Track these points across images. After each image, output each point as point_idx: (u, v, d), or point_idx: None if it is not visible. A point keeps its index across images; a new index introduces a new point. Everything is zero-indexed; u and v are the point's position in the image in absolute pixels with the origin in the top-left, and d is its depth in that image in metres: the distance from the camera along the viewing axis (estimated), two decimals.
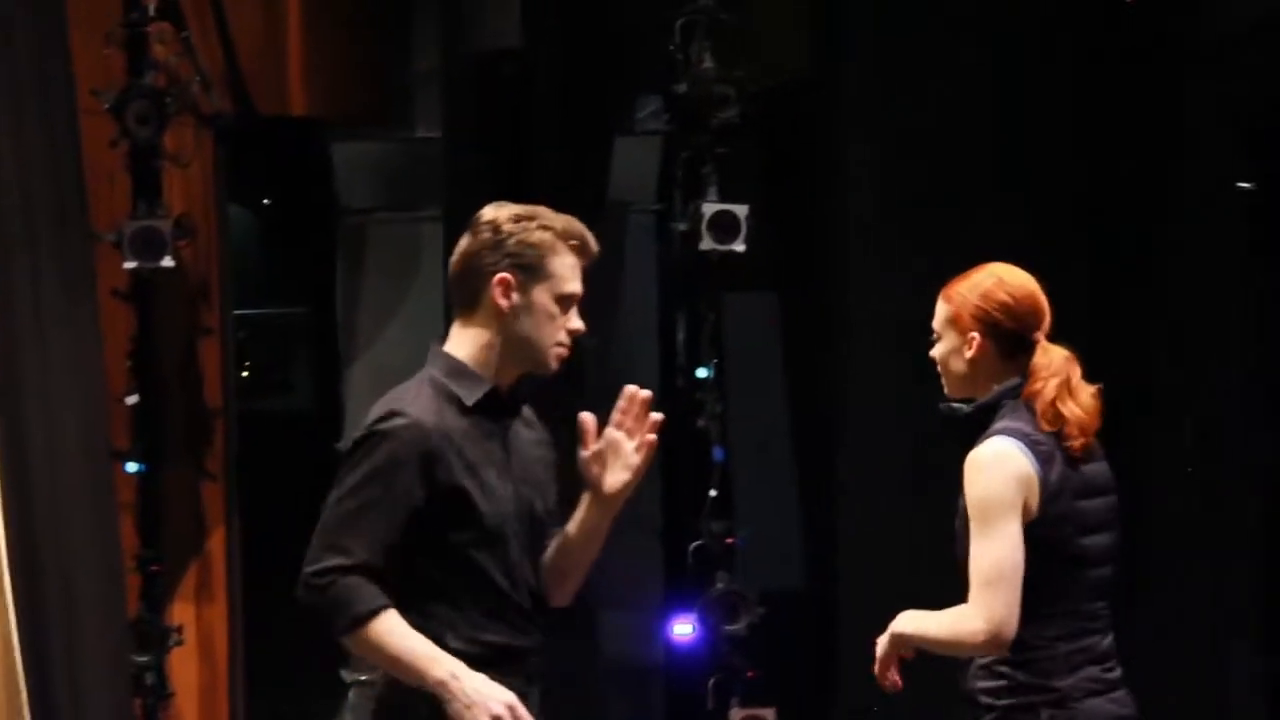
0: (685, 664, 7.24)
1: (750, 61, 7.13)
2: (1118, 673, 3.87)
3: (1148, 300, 7.34)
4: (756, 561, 7.31)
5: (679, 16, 7.05)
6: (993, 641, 3.75)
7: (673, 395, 7.58)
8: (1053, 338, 3.95)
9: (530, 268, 3.61)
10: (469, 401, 3.59)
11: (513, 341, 3.62)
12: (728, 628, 7.03)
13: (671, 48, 7.04)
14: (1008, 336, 3.88)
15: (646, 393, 3.67)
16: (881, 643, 4.03)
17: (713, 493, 7.13)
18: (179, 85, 6.80)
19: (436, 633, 3.49)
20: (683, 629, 7.14)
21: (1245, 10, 7.58)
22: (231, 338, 7.35)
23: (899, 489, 7.37)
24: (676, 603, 7.28)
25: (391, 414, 3.51)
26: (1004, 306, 3.88)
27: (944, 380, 3.95)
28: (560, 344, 3.65)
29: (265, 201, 8.18)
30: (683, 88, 7.04)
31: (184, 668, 7.05)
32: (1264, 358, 7.41)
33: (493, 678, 3.51)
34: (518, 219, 3.63)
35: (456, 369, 3.61)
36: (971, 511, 3.77)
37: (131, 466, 6.88)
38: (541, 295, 3.61)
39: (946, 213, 7.37)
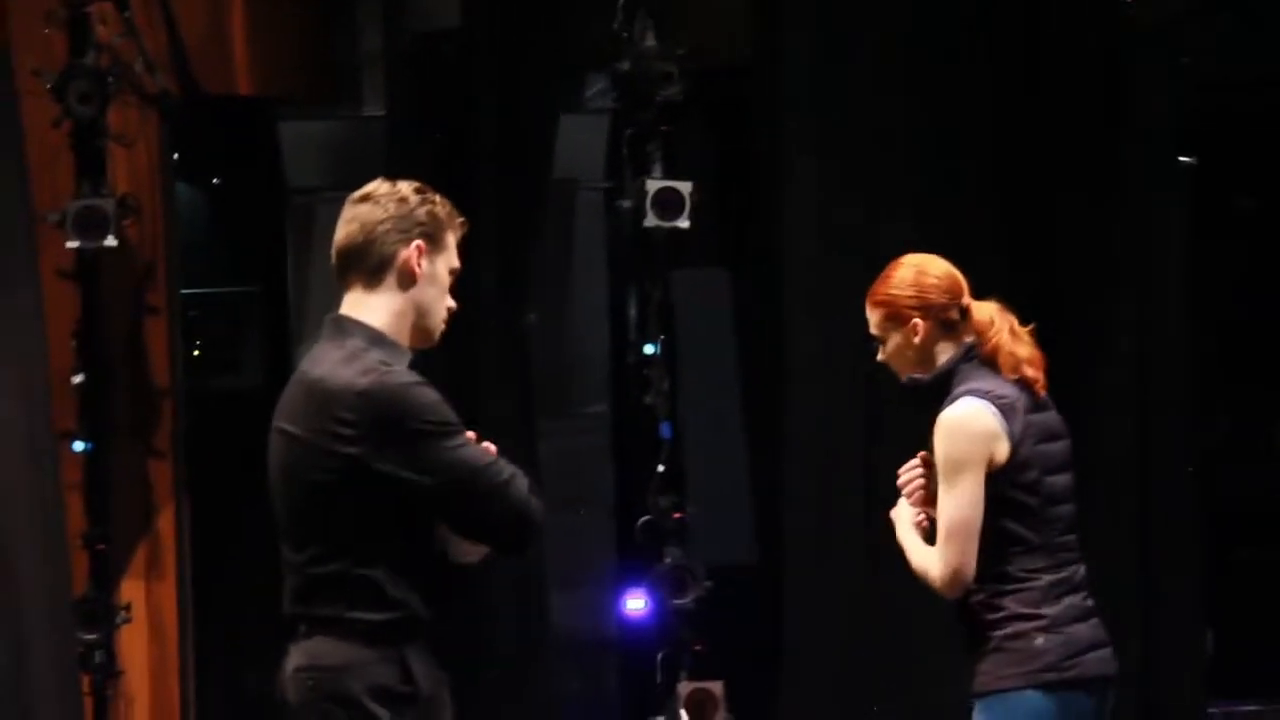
0: (636, 638, 7.28)
1: (694, 39, 7.15)
2: (1092, 601, 4.24)
3: (1090, 283, 7.38)
4: (705, 536, 7.35)
5: None
6: (949, 587, 4.16)
7: (622, 372, 7.61)
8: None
9: (434, 238, 3.67)
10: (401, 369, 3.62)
11: (419, 310, 3.66)
12: (676, 602, 7.07)
13: (615, 25, 7.06)
14: (943, 311, 4.26)
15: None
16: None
17: (660, 468, 7.17)
18: (122, 65, 6.80)
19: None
20: (635, 603, 7.18)
21: None
22: (179, 317, 7.36)
23: (848, 465, 7.41)
24: (628, 577, 7.31)
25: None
26: (934, 288, 4.29)
27: (898, 373, 4.31)
28: (444, 319, 3.71)
29: (214, 181, 8.17)
30: (626, 65, 7.07)
31: (134, 645, 7.07)
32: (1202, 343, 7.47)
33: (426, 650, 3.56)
34: (419, 191, 3.68)
35: (377, 337, 3.63)
36: (940, 469, 4.16)
37: (79, 445, 6.89)
38: (440, 266, 3.68)
39: (887, 189, 7.41)
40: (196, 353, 7.82)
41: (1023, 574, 4.15)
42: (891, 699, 7.30)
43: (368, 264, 3.64)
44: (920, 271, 4.31)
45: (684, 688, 7.06)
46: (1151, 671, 7.22)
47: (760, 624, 7.49)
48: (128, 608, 6.99)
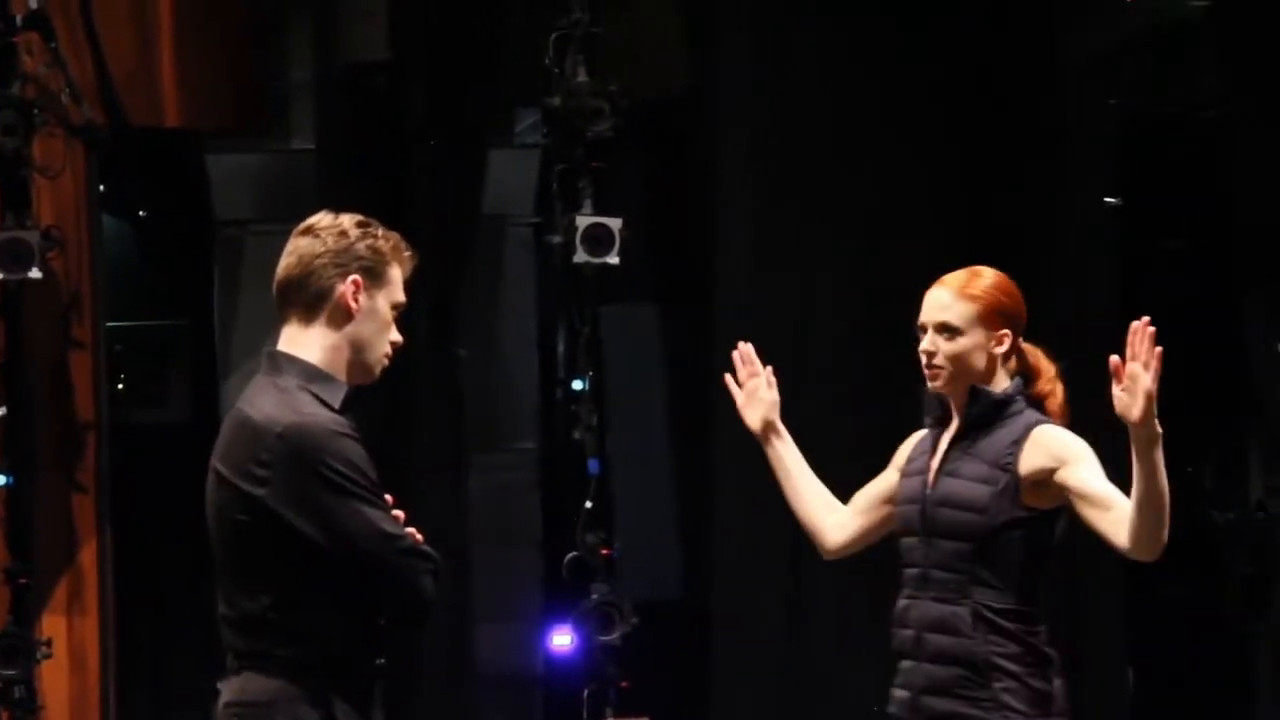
0: (562, 674, 7.26)
1: (625, 75, 7.17)
2: None
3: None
4: (633, 572, 7.35)
5: (553, 30, 7.09)
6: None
7: (551, 408, 7.61)
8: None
9: (375, 273, 3.63)
10: (336, 405, 3.60)
11: (356, 346, 3.63)
12: (603, 638, 7.06)
13: (546, 60, 7.07)
14: (1020, 335, 4.16)
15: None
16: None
17: (588, 504, 7.16)
18: (48, 96, 6.76)
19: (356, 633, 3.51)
20: (561, 639, 7.17)
21: (1122, 25, 7.72)
22: (104, 350, 7.31)
23: (776, 500, 7.41)
24: (555, 614, 7.30)
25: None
26: (1022, 305, 4.17)
27: (945, 374, 4.13)
28: (388, 354, 3.68)
29: (140, 213, 8.13)
30: (557, 101, 7.08)
31: (55, 681, 7.00)
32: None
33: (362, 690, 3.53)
34: (361, 225, 3.65)
35: (313, 373, 3.60)
36: (1081, 456, 4.03)
37: (0, 479, 6.82)
38: (382, 302, 3.64)
39: (820, 226, 7.44)
40: (121, 386, 7.78)
41: (1040, 613, 4.08)
42: None
43: (304, 298, 3.62)
44: (1012, 283, 4.17)
45: None
46: (1073, 708, 7.26)
47: (687, 660, 7.49)
48: (49, 643, 6.92)
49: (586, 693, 7.10)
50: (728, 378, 4.48)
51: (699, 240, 7.67)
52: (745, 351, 4.52)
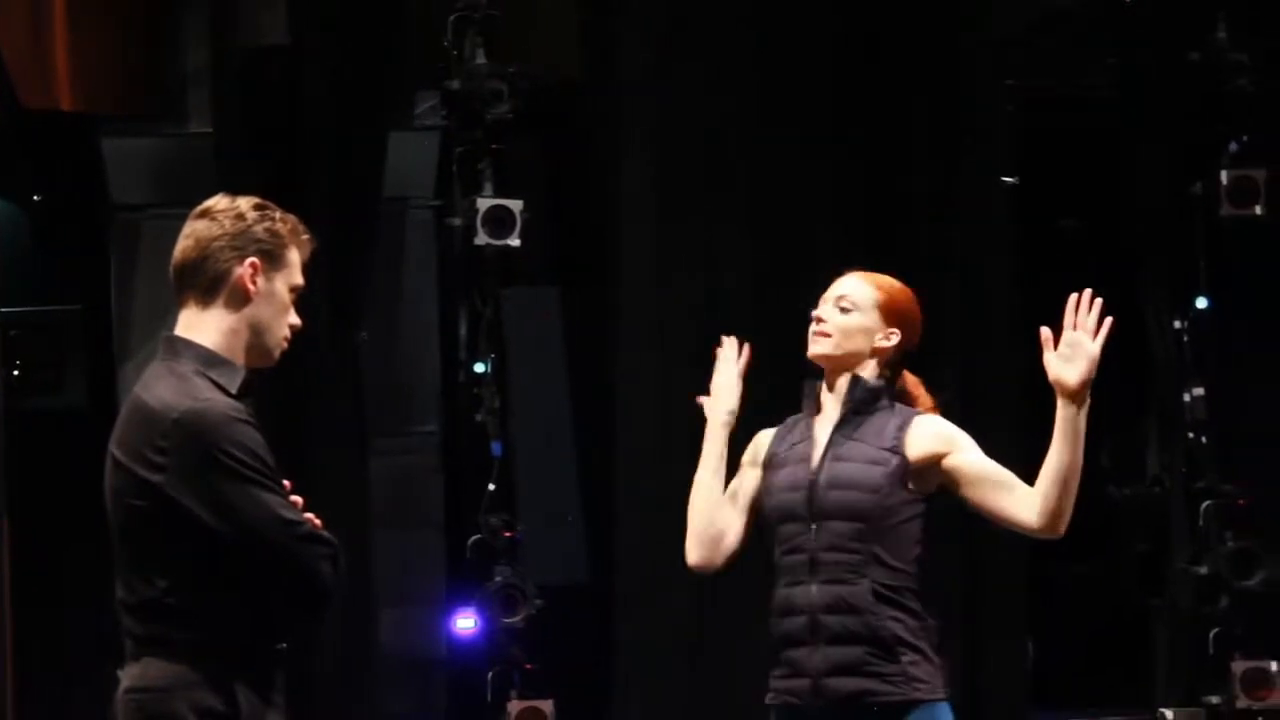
0: (466, 657, 7.26)
1: (524, 57, 7.16)
2: None
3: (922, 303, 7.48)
4: (537, 555, 7.35)
5: (451, 12, 7.07)
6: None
7: (453, 390, 7.60)
8: None
9: (273, 256, 3.61)
10: (233, 389, 3.58)
11: (254, 329, 3.61)
12: (506, 620, 7.06)
13: (445, 43, 7.05)
14: (907, 349, 4.28)
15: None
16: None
17: (491, 486, 7.16)
18: None
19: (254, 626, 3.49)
20: (465, 622, 7.17)
21: (1020, 6, 7.77)
22: (0, 336, 7.24)
23: (679, 482, 7.44)
24: (458, 596, 7.29)
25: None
26: (918, 323, 4.29)
27: (822, 342, 4.24)
28: (286, 337, 3.67)
29: (34, 197, 8.05)
30: (456, 84, 7.06)
31: None
32: (1027, 363, 7.58)
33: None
34: (259, 208, 3.64)
35: (210, 358, 3.58)
36: (964, 439, 4.17)
37: None
38: (280, 285, 3.63)
39: (720, 208, 7.46)
40: (16, 373, 7.70)
41: (926, 589, 4.18)
42: (720, 718, 7.34)
43: (201, 282, 3.60)
44: (919, 306, 4.30)
45: (514, 706, 7.06)
46: (975, 683, 7.33)
47: (591, 643, 7.50)
48: None
49: (490, 675, 7.11)
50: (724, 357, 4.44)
51: (599, 221, 7.67)
52: (730, 342, 4.50)
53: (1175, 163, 7.66)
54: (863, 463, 4.16)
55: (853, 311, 4.23)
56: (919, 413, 4.23)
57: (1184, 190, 7.63)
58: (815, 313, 4.26)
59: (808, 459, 4.23)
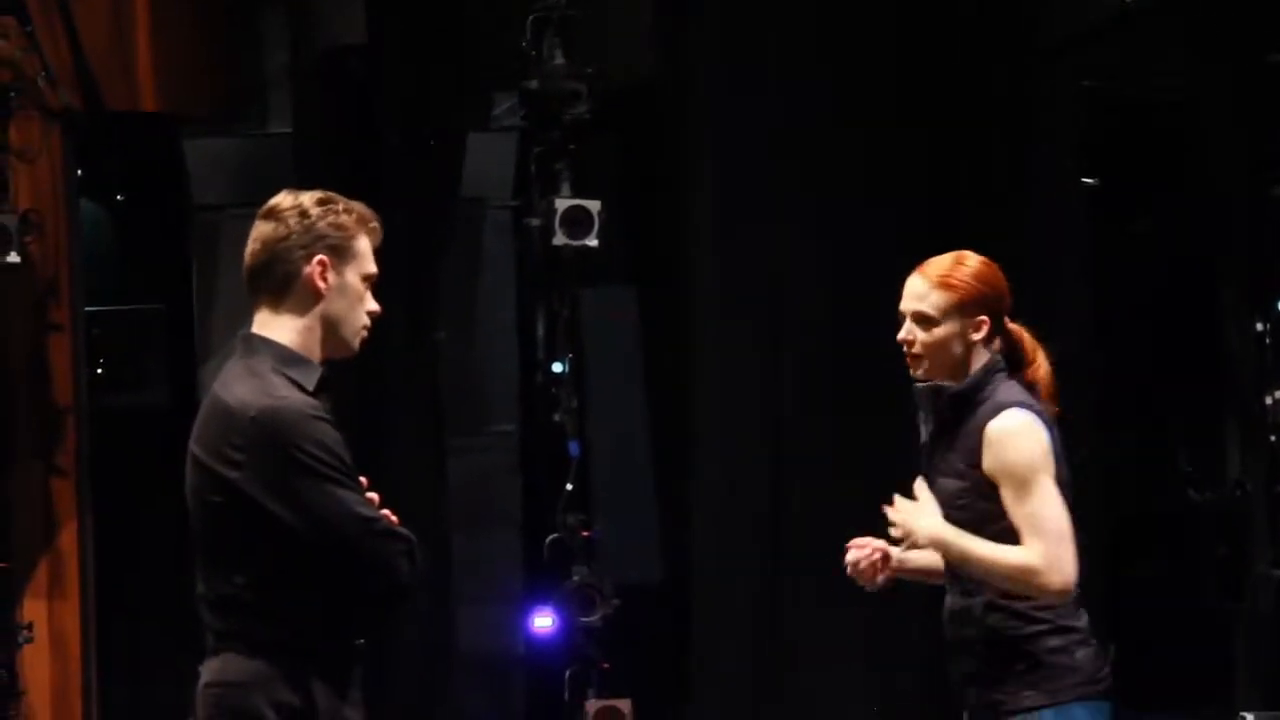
0: (544, 656, 7.28)
1: (601, 58, 7.18)
2: None
3: None
4: (614, 555, 7.36)
5: (530, 13, 7.09)
6: (1064, 593, 4.00)
7: (531, 390, 7.62)
8: None
9: (340, 249, 3.62)
10: (310, 387, 3.60)
11: (329, 323, 3.63)
12: (584, 620, 7.07)
13: (523, 44, 7.07)
14: (1001, 319, 4.10)
15: None
16: (902, 535, 4.04)
17: (569, 486, 7.17)
18: (24, 80, 6.76)
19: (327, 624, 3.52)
20: (543, 621, 7.18)
21: (1092, 8, 7.73)
22: (83, 334, 7.31)
23: (755, 482, 7.44)
24: (536, 595, 7.31)
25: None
26: (1005, 291, 4.11)
27: (924, 363, 4.11)
28: (365, 326, 3.69)
29: (118, 197, 8.12)
30: (534, 84, 7.08)
31: (36, 665, 7.01)
32: (1112, 351, 7.55)
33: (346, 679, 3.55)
34: (322, 203, 3.65)
35: (287, 355, 3.61)
36: (1011, 476, 3.99)
37: None
38: (352, 276, 3.64)
39: (793, 207, 7.45)
40: (100, 370, 7.77)
41: None
42: (796, 716, 7.34)
43: (272, 282, 3.62)
44: (995, 269, 4.11)
45: (592, 706, 7.07)
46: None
47: (668, 642, 7.51)
48: (29, 627, 6.93)
49: (568, 674, 7.12)
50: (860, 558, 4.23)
51: (676, 222, 7.68)
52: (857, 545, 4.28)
53: (1252, 164, 7.60)
54: (949, 475, 4.08)
55: (934, 325, 4.07)
56: (1001, 407, 4.03)
57: (1262, 192, 7.57)
58: (900, 337, 4.12)
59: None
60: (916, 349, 4.10)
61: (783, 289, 7.49)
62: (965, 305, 4.07)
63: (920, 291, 4.10)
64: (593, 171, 7.33)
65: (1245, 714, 7.54)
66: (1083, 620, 4.08)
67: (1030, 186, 7.54)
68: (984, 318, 4.07)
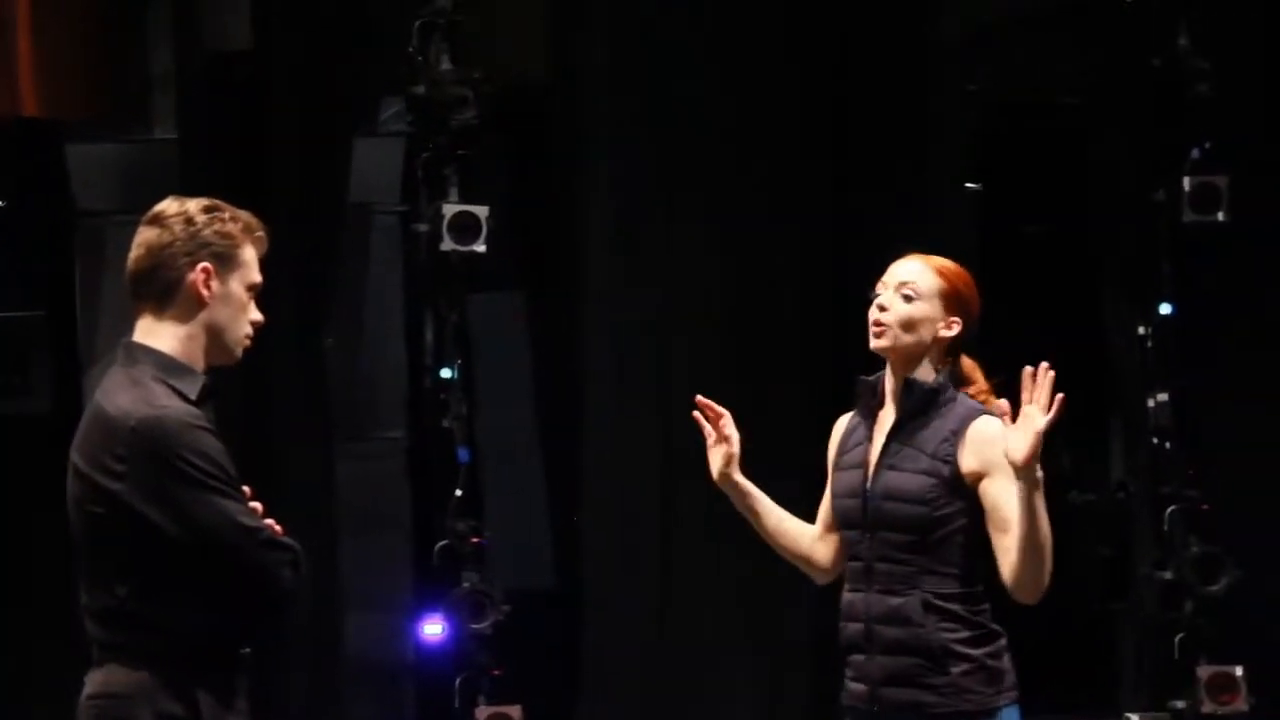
0: (434, 663, 7.26)
1: (489, 63, 7.17)
2: None
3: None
4: (504, 561, 7.35)
5: (416, 18, 7.07)
6: (1042, 590, 4.04)
7: (420, 396, 7.60)
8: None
9: (225, 257, 3.61)
10: (193, 395, 3.58)
11: (212, 332, 3.61)
12: (474, 626, 7.07)
13: (410, 49, 7.06)
14: (969, 333, 4.14)
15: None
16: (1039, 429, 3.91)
17: (458, 492, 7.16)
18: None
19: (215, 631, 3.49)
20: (432, 628, 7.17)
21: (982, 11, 7.80)
22: None
23: (645, 487, 7.46)
24: (425, 602, 7.29)
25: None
26: (977, 314, 4.15)
27: (889, 335, 4.10)
28: (248, 335, 3.67)
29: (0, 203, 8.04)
30: (421, 90, 7.07)
31: None
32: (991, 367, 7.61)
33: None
34: (208, 210, 3.63)
35: (169, 364, 3.58)
36: (1007, 471, 3.96)
37: None
38: (235, 285, 3.62)
39: (685, 212, 7.48)
40: None
41: (983, 593, 4.10)
42: None
43: (156, 289, 3.60)
44: (978, 294, 4.16)
45: (482, 712, 7.07)
46: None
47: (559, 647, 7.51)
48: None
49: (458, 681, 7.11)
50: (700, 421, 4.29)
51: (565, 227, 7.68)
52: (703, 403, 4.31)
53: (1138, 169, 7.69)
54: (914, 472, 4.06)
55: (916, 300, 4.09)
56: (979, 411, 4.07)
57: (1147, 196, 7.67)
58: (877, 300, 4.11)
59: (865, 464, 4.13)
60: (889, 318, 4.10)
61: (674, 293, 7.51)
62: (950, 299, 4.10)
63: (914, 269, 4.14)
64: (481, 177, 7.33)
65: (1130, 715, 7.63)
66: (999, 627, 4.11)
67: (919, 191, 7.60)
68: (958, 320, 4.10)
